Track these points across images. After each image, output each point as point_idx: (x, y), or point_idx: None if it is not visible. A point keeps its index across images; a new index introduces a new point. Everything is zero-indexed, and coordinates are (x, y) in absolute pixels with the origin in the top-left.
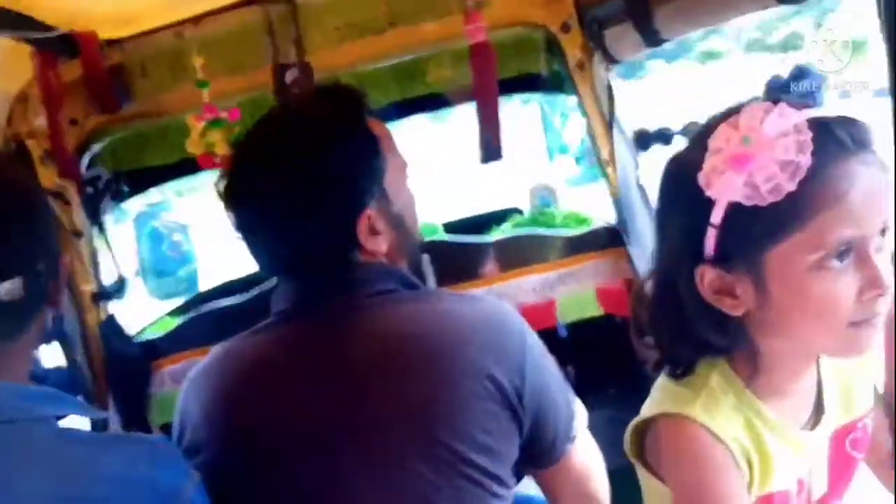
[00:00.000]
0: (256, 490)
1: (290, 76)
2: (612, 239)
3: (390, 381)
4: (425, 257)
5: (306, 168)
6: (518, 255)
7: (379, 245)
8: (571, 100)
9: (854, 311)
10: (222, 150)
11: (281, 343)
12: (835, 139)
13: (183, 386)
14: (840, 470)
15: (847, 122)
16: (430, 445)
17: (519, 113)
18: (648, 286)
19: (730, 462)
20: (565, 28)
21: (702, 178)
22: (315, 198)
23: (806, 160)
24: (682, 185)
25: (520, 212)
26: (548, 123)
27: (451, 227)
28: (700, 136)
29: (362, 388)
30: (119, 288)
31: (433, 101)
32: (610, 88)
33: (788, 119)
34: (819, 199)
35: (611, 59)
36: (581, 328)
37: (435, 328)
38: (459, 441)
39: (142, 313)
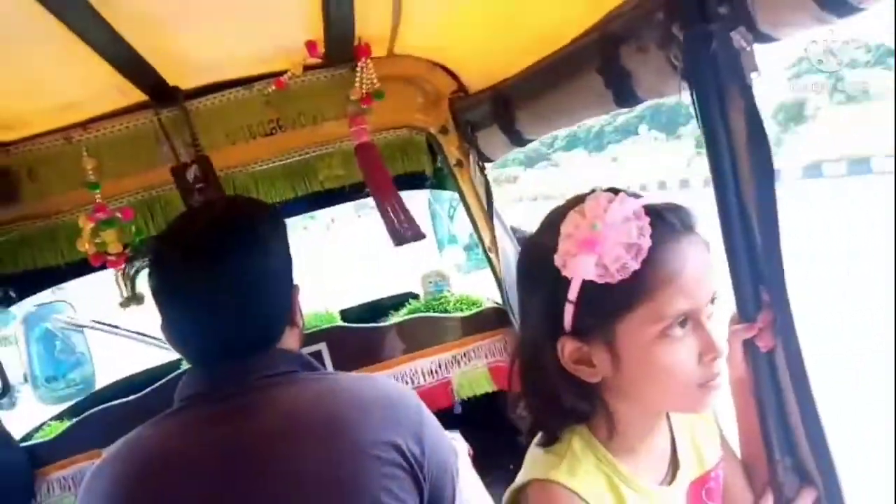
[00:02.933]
0: None
1: (191, 174)
2: (501, 319)
3: (294, 455)
4: (322, 345)
5: (248, 265)
6: (414, 338)
7: (300, 323)
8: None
9: (698, 373)
10: (115, 248)
11: (184, 427)
12: (667, 224)
13: (85, 480)
14: None
15: (676, 209)
16: None
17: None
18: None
19: None
20: (444, 131)
21: (558, 260)
22: (259, 290)
23: (647, 242)
24: (538, 266)
25: (416, 296)
26: (436, 216)
27: (348, 314)
28: (551, 222)
29: (267, 462)
30: (2, 395)
31: (328, 198)
32: (487, 184)
33: (629, 206)
34: (659, 276)
35: (484, 158)
36: (476, 405)
37: (335, 405)
38: None
39: (31, 418)
